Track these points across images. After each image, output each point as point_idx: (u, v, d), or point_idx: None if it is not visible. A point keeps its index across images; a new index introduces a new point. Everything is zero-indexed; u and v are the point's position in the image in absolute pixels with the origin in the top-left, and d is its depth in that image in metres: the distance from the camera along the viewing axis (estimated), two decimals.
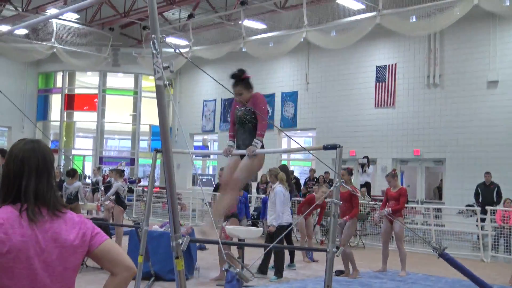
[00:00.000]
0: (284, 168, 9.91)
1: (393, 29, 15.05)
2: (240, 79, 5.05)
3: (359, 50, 18.27)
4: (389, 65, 18.05)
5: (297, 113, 20.49)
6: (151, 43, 2.87)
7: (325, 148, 4.10)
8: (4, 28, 20.49)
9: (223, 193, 5.27)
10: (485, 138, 15.88)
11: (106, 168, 22.66)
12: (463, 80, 16.65)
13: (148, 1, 2.88)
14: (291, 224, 8.84)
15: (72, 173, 11.05)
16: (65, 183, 11.12)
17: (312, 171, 17.63)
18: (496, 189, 13.64)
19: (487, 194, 13.63)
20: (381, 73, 18.18)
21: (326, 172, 16.32)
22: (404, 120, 17.60)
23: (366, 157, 16.97)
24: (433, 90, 17.23)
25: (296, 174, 19.19)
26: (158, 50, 2.88)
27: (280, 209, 8.67)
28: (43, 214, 2.03)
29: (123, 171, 13.73)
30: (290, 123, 20.58)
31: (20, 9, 19.59)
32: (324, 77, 19.72)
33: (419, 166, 17.91)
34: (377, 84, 18.28)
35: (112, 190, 11.16)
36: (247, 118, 5.09)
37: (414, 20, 16.08)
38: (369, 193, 16.07)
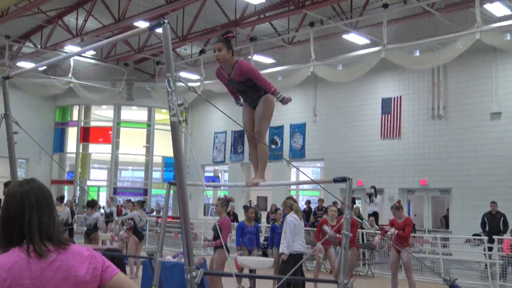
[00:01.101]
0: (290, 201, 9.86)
1: (398, 63, 15.12)
2: (223, 37, 4.85)
3: (365, 83, 18.35)
4: (394, 97, 18.09)
5: (305, 144, 20.49)
6: (166, 81, 2.89)
7: (335, 181, 4.07)
8: (24, 64, 20.86)
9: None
10: (490, 168, 15.78)
11: (120, 199, 22.70)
12: (467, 112, 16.64)
13: (164, 43, 2.91)
14: (303, 253, 8.76)
15: (91, 204, 11.11)
16: (84, 214, 11.17)
17: (321, 201, 17.52)
18: (502, 218, 13.47)
19: (493, 223, 13.44)
20: (387, 105, 18.21)
21: (335, 202, 16.20)
22: (410, 150, 17.54)
23: (373, 187, 16.88)
24: (437, 121, 17.21)
25: (302, 203, 19.11)
26: (173, 88, 2.89)
27: (290, 237, 8.62)
28: (50, 250, 1.98)
29: (144, 202, 13.84)
30: (298, 154, 20.57)
31: (39, 46, 19.92)
32: (331, 109, 19.78)
33: (426, 196, 17.76)
34: (383, 115, 18.29)
35: (128, 216, 11.21)
36: (246, 88, 4.95)
37: (417, 54, 16.17)
38: (377, 223, 15.91)
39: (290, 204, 9.29)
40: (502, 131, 15.90)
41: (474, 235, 13.86)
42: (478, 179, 15.99)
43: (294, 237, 8.66)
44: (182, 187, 2.96)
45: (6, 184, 9.05)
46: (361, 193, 18.40)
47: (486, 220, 13.61)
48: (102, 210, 17.09)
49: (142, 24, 16.46)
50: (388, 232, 9.09)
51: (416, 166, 17.41)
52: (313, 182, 4.91)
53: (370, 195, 16.66)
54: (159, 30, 3.01)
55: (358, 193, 18.48)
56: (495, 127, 16.07)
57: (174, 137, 3.00)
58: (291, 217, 8.83)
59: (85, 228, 10.91)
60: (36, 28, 19.86)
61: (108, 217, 15.85)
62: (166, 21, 2.90)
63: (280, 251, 9.01)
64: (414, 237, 12.62)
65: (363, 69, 15.21)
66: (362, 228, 13.80)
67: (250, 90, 4.98)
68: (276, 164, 20.81)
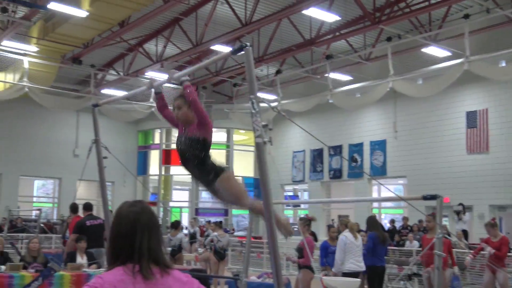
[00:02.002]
0: (371, 219, 9.59)
1: (482, 74, 14.52)
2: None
3: (447, 96, 17.73)
4: (479, 111, 17.37)
5: (387, 161, 20.05)
6: (250, 102, 2.92)
7: (425, 198, 3.94)
8: (108, 91, 21.82)
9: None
10: None
11: (202, 219, 23.09)
12: None
13: (246, 65, 2.96)
14: (358, 272, 8.46)
15: (175, 225, 11.40)
16: (168, 235, 11.44)
17: (405, 219, 17.03)
18: None
19: None
20: (472, 118, 17.52)
21: (420, 221, 15.71)
22: (500, 165, 16.69)
23: (461, 204, 16.20)
24: None
25: (385, 221, 18.64)
26: (257, 109, 2.92)
27: (339, 256, 8.40)
28: (154, 272, 2.03)
29: (221, 222, 14.05)
30: (379, 172, 20.14)
31: (121, 73, 20.79)
32: (413, 125, 19.25)
33: None
34: (468, 130, 17.60)
35: (209, 239, 11.40)
36: (192, 151, 3.85)
37: (504, 64, 15.51)
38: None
39: (345, 222, 9.14)
40: None
41: None
42: None
43: (344, 256, 8.41)
44: (268, 207, 2.96)
45: (86, 207, 9.46)
46: (448, 211, 17.70)
47: None
48: (185, 231, 17.43)
49: (219, 48, 16.83)
50: (485, 251, 8.66)
51: (507, 182, 16.51)
52: (400, 199, 4.77)
53: (458, 213, 16.02)
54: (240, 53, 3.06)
55: (445, 211, 17.71)
56: None
57: (260, 158, 3.02)
58: (343, 235, 8.63)
59: (170, 249, 11.15)
60: (118, 56, 20.78)
61: (192, 237, 16.14)
62: (248, 44, 2.95)
63: (333, 270, 8.78)
64: (509, 256, 11.95)
65: (445, 83, 14.73)
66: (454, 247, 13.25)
67: (194, 156, 3.87)
68: (357, 182, 20.50)
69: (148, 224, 2.09)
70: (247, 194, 3.96)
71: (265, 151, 3.02)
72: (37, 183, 27.83)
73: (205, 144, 3.82)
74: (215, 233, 11.50)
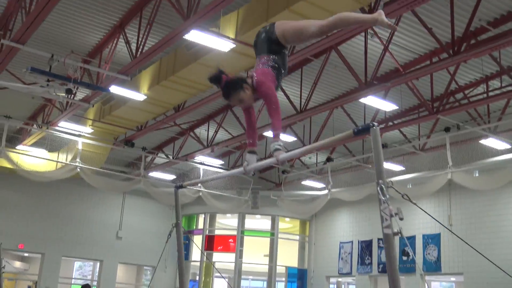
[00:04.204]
0: None
1: None
2: (226, 86, 4.04)
3: (506, 190, 17.03)
4: None
5: (441, 256, 19.09)
6: (378, 188, 2.62)
7: None
8: (156, 174, 21.89)
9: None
10: None
11: None
12: None
13: (373, 146, 2.69)
14: None
15: None
16: None
17: None
18: None
19: None
20: None
21: None
22: None
23: None
24: None
25: None
26: (387, 196, 2.61)
27: None
28: None
29: None
30: (433, 267, 19.14)
31: (170, 157, 20.89)
32: (469, 219, 18.42)
33: None
34: None
35: None
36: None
37: None
38: None
39: None
40: None
41: None
42: None
43: None
44: None
45: None
46: None
47: None
48: None
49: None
50: None
51: None
52: None
53: None
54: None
55: None
56: None
57: (388, 251, 2.67)
58: None
59: None
60: (169, 140, 21.00)
61: None
62: (375, 123, 2.70)
63: None
64: None
65: (509, 176, 14.16)
66: None
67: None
68: (409, 278, 19.47)
69: None
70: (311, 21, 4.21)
71: (394, 243, 2.68)
72: (77, 264, 27.62)
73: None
74: None
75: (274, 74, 4.15)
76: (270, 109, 3.93)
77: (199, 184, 20.13)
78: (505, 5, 11.75)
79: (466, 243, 4.03)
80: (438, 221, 3.75)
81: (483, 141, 15.69)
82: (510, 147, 15.46)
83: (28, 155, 18.86)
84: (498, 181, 15.07)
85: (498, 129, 15.41)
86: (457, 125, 15.39)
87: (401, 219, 2.61)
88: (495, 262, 15.99)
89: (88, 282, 24.73)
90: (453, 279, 20.28)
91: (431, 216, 3.94)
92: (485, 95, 14.36)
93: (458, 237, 4.58)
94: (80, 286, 9.86)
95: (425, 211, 3.50)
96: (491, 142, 15.58)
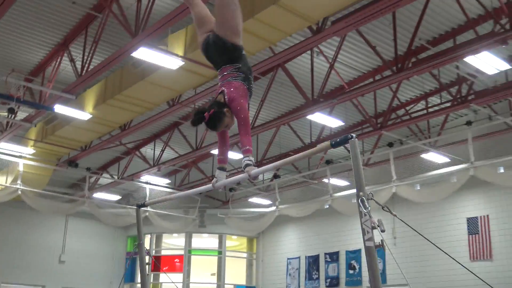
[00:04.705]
0: None
1: (489, 180, 14.47)
2: (210, 121, 4.02)
3: (446, 201, 17.53)
4: (480, 217, 17.15)
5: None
6: (359, 201, 2.59)
7: None
8: (100, 195, 21.26)
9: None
10: None
11: None
12: None
13: (352, 158, 2.66)
14: None
15: None
16: None
17: None
18: None
19: None
20: (473, 225, 17.25)
21: None
22: (504, 273, 16.21)
23: None
24: None
25: None
26: (368, 208, 2.58)
27: None
28: None
29: None
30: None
31: (115, 177, 20.37)
32: (412, 231, 18.76)
33: None
34: (470, 236, 17.27)
35: None
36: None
37: (502, 170, 15.53)
38: None
39: None
40: None
41: None
42: None
43: None
44: None
45: None
46: None
47: None
48: None
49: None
50: None
51: None
52: None
53: None
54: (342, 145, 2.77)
55: None
56: None
57: (371, 265, 2.63)
58: None
59: None
60: (114, 160, 20.50)
61: None
62: (354, 135, 2.67)
63: None
64: None
65: (451, 189, 14.62)
66: None
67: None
68: None
69: None
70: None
71: (376, 255, 2.65)
72: None
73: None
74: None
75: (245, 86, 4.10)
76: (240, 125, 3.91)
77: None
78: (443, 25, 12.23)
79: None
80: (413, 229, 3.68)
81: (424, 155, 16.15)
82: (449, 160, 15.96)
83: None
84: (438, 194, 15.54)
85: (437, 143, 15.91)
86: (399, 140, 15.79)
87: (382, 231, 2.58)
88: (439, 271, 16.52)
89: None
90: None
91: (405, 223, 3.93)
92: (425, 111, 14.82)
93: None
94: None
95: (401, 220, 3.50)
96: (432, 156, 16.06)
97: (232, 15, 4.22)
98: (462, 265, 3.72)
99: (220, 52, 4.29)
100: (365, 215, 2.56)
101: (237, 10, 4.29)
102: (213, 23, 4.39)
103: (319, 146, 3.27)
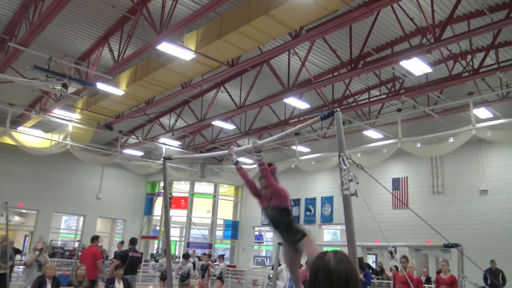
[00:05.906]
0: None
1: (412, 152, 14.48)
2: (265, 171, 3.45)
3: (378, 166, 17.63)
4: (402, 178, 17.31)
5: (333, 212, 19.58)
6: (340, 159, 2.44)
7: (446, 246, 3.43)
8: (129, 151, 20.88)
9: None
10: (484, 233, 14.62)
11: (192, 250, 21.77)
12: (460, 189, 15.74)
13: (336, 127, 2.50)
14: None
15: (186, 256, 10.44)
16: (180, 264, 10.45)
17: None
18: (501, 274, 12.19)
19: (494, 278, 12.15)
20: (396, 183, 17.41)
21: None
22: (416, 217, 16.40)
23: (394, 247, 15.68)
24: (437, 196, 16.30)
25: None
26: (348, 166, 2.43)
27: None
28: None
29: (210, 255, 13.05)
30: (327, 219, 19.63)
31: (140, 138, 20.00)
32: (353, 187, 18.91)
33: (430, 253, 16.47)
34: (394, 191, 17.44)
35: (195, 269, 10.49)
36: (276, 219, 3.49)
37: (419, 145, 15.59)
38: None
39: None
40: (490, 204, 14.89)
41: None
42: (473, 241, 14.78)
43: None
44: (353, 251, 2.43)
45: (132, 241, 8.17)
46: (377, 250, 17.20)
47: (487, 275, 12.32)
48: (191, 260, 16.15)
49: (218, 123, 16.36)
50: None
51: (421, 230, 16.16)
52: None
53: (391, 252, 15.50)
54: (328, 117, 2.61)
55: (375, 250, 17.30)
56: (484, 201, 15.08)
57: (346, 209, 2.50)
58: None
59: (180, 275, 10.15)
60: (140, 125, 20.07)
61: (205, 269, 14.88)
62: (338, 109, 2.51)
63: None
64: None
65: (383, 157, 14.63)
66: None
67: (280, 222, 3.50)
68: (311, 227, 19.83)
69: (346, 278, 1.47)
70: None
71: (351, 201, 2.51)
72: (64, 218, 26.04)
73: (287, 211, 3.39)
74: (222, 264, 10.58)
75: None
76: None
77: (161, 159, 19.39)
78: (385, 37, 11.99)
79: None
80: (382, 185, 3.49)
81: (365, 132, 16.08)
82: (382, 136, 15.94)
83: (27, 134, 17.43)
84: (374, 160, 15.55)
85: (375, 124, 15.84)
86: (349, 120, 15.67)
87: (357, 183, 2.45)
88: (370, 215, 16.17)
89: (73, 231, 23.41)
90: (339, 227, 20.89)
91: (378, 181, 3.81)
92: (367, 100, 14.68)
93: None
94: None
95: (374, 179, 3.36)
96: (370, 133, 16.01)
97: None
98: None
99: (281, 220, 3.58)
100: (344, 170, 2.42)
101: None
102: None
103: (312, 119, 3.10)
